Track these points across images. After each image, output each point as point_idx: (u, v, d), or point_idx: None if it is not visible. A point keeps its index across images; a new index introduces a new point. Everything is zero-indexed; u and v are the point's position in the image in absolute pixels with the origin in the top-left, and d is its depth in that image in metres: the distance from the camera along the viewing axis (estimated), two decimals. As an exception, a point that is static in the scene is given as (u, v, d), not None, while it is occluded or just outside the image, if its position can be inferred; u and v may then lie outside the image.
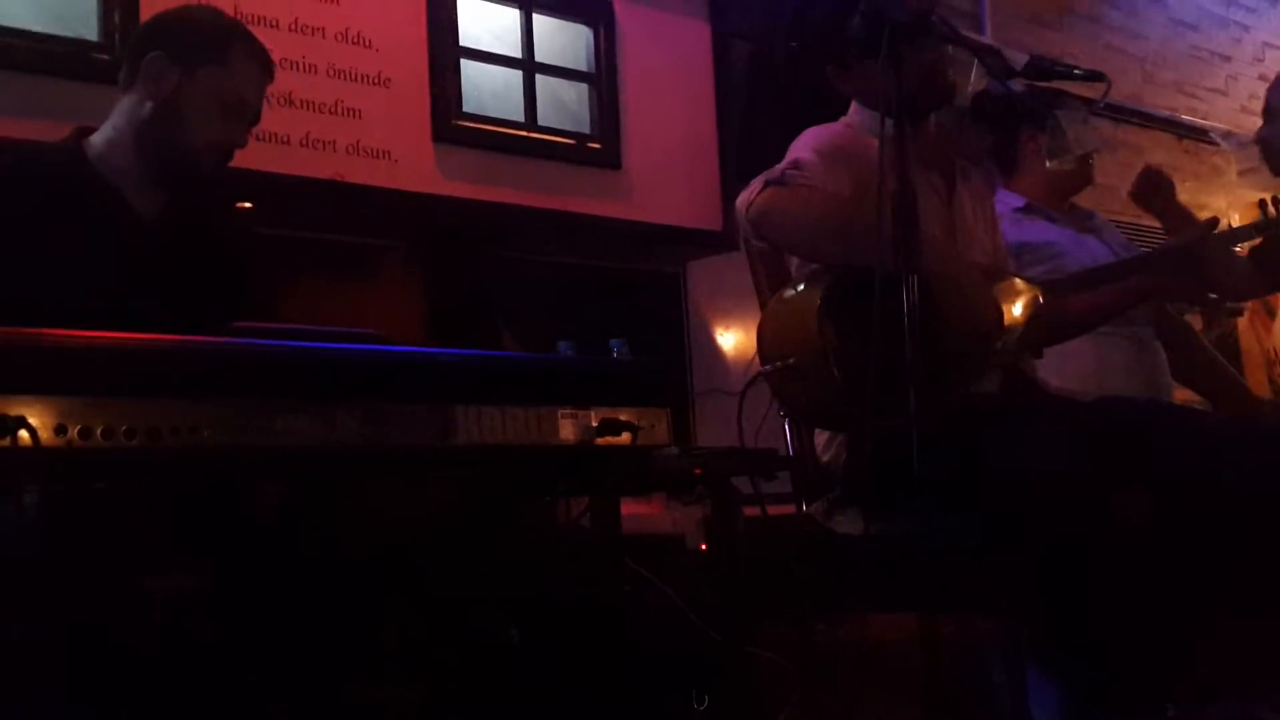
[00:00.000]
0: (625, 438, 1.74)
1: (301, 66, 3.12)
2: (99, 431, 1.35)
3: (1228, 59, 6.38)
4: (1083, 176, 3.13)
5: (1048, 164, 3.02)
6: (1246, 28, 6.52)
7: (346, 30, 3.22)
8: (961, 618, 2.33)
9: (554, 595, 1.90)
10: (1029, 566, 1.90)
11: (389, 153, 3.25)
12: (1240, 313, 4.71)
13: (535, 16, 3.63)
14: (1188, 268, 2.39)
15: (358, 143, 3.20)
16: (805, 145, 2.24)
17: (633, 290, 4.01)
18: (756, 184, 2.13)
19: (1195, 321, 3.66)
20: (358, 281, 3.47)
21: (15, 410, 1.31)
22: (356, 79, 3.22)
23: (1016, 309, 2.22)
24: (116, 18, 2.83)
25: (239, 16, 2.52)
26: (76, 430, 1.34)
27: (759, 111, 3.91)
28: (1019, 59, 2.03)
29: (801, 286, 2.14)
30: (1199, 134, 6.07)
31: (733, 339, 4.16)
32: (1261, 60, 6.49)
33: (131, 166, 2.02)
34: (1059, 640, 1.91)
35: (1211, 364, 3.42)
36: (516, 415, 1.66)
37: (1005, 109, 3.09)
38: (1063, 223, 3.05)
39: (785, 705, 2.31)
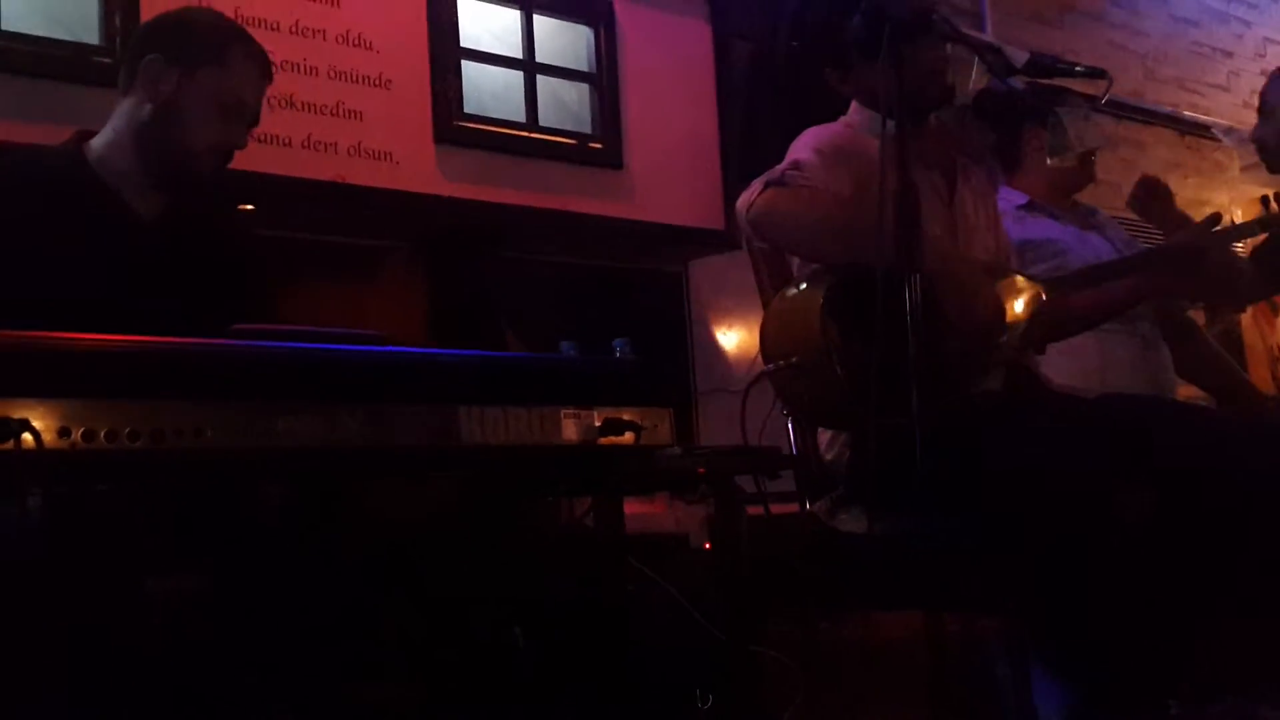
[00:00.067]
0: (628, 437, 1.74)
1: (303, 69, 3.12)
2: (102, 434, 1.35)
3: (1229, 55, 6.37)
4: (1085, 174, 3.13)
5: (1049, 161, 3.02)
6: (1248, 23, 6.52)
7: (347, 32, 3.22)
8: (966, 616, 2.33)
9: (557, 595, 1.90)
10: (1031, 564, 1.90)
11: (390, 154, 3.26)
12: (1243, 309, 4.70)
13: (536, 17, 3.63)
14: (1187, 266, 2.39)
15: (359, 144, 3.20)
16: (805, 145, 2.24)
17: (635, 290, 4.01)
18: (756, 185, 2.13)
19: (1198, 317, 3.65)
20: (360, 283, 3.48)
21: (18, 413, 1.31)
22: (357, 81, 3.22)
23: (1019, 306, 2.21)
24: (118, 21, 2.83)
25: (240, 19, 2.52)
26: (80, 433, 1.34)
27: (760, 111, 3.91)
28: (1020, 56, 2.03)
29: (804, 285, 2.14)
30: (1201, 130, 6.07)
31: (735, 338, 4.16)
32: (1263, 55, 6.49)
33: (131, 169, 2.02)
34: (1062, 638, 1.91)
35: (1216, 360, 3.41)
36: (519, 415, 1.66)
37: (1007, 107, 3.09)
38: (1065, 220, 3.05)
39: (789, 704, 2.31)
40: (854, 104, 2.36)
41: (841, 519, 2.20)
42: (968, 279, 2.12)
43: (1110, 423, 2.03)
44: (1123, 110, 5.50)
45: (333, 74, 3.18)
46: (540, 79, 3.61)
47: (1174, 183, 3.44)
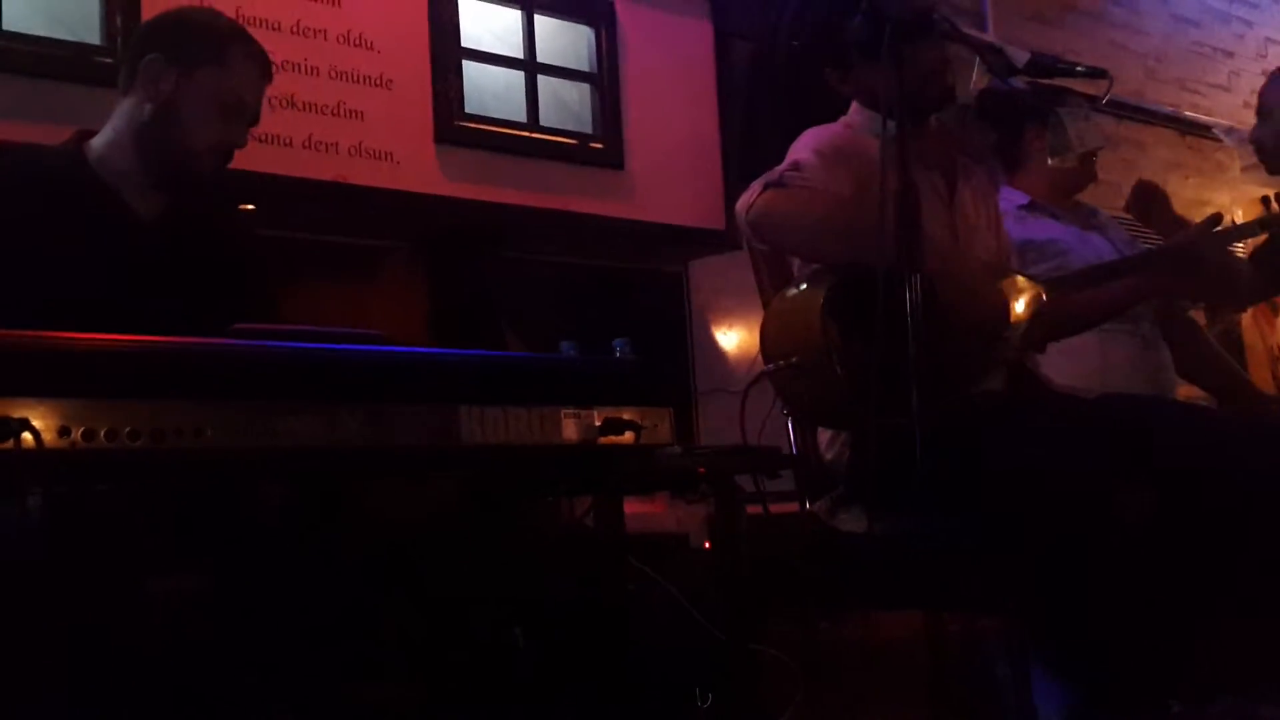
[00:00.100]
0: (628, 437, 1.74)
1: (303, 69, 3.12)
2: (102, 433, 1.35)
3: (1230, 55, 6.37)
4: (1086, 174, 3.13)
5: (1050, 161, 3.02)
6: (1249, 23, 6.52)
7: (348, 32, 3.22)
8: (966, 616, 2.33)
9: (557, 595, 1.90)
10: (1031, 564, 1.89)
11: (391, 154, 3.26)
12: (1244, 309, 4.70)
13: (537, 17, 3.63)
14: (1188, 266, 2.40)
15: (360, 144, 3.20)
16: (805, 146, 2.24)
17: (635, 290, 4.01)
18: (756, 186, 2.13)
19: (1199, 317, 3.65)
20: (360, 282, 3.48)
21: (18, 412, 1.31)
22: (358, 80, 3.23)
23: (1020, 306, 2.22)
24: (118, 21, 2.83)
25: (240, 19, 2.52)
26: (80, 432, 1.34)
27: (761, 111, 3.91)
28: (1021, 56, 2.03)
29: (804, 285, 2.14)
30: (1202, 130, 6.07)
31: (735, 338, 4.16)
32: (1264, 56, 6.48)
33: (131, 168, 2.02)
34: (1062, 638, 1.91)
35: (1216, 360, 3.41)
36: (519, 415, 1.66)
37: (1008, 107, 3.09)
38: (1066, 220, 3.05)
39: (789, 704, 2.31)
40: (854, 104, 2.36)
41: (841, 519, 2.20)
42: (968, 279, 2.12)
43: (1110, 423, 2.03)
44: (1124, 110, 5.50)
45: (333, 74, 3.18)
46: (541, 79, 3.61)
47: (1175, 183, 3.45)
